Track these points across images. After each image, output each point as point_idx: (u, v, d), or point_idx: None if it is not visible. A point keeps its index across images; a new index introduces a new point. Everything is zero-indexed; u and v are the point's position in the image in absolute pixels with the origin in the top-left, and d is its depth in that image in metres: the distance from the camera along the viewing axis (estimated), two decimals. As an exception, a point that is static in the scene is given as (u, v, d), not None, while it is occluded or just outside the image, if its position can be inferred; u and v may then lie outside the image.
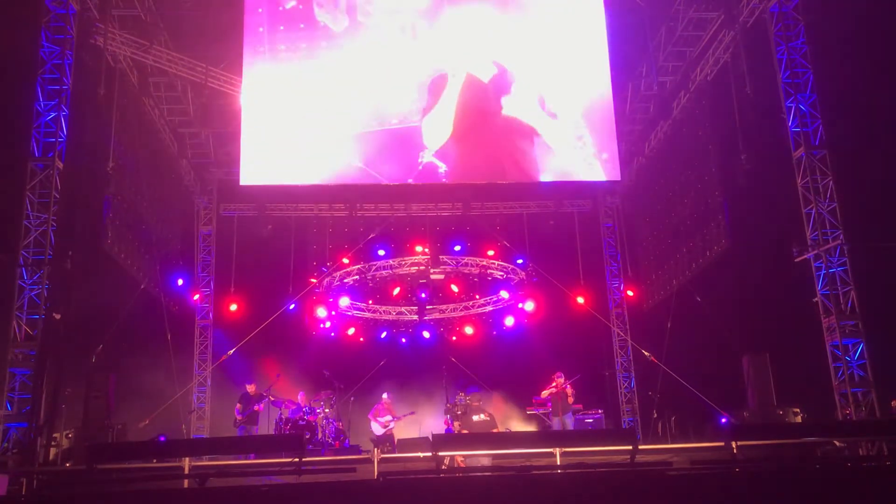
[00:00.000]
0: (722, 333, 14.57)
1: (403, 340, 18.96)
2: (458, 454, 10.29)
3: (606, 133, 14.54)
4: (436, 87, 14.29)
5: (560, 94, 14.59)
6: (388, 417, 15.23)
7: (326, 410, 14.95)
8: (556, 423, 14.25)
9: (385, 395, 15.54)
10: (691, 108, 15.75)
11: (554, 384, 14.14)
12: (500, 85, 14.41)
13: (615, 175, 14.82)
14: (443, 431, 14.02)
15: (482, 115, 14.40)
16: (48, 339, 11.09)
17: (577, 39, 14.79)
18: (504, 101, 14.34)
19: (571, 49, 14.76)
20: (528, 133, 14.35)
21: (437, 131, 14.15)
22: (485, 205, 19.31)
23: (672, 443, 14.24)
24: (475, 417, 14.07)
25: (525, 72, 14.56)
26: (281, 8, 14.39)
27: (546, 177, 14.53)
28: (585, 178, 14.72)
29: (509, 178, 14.83)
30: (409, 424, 16.09)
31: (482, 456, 10.25)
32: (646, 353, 15.71)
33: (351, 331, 18.84)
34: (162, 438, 12.51)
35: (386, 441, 14.64)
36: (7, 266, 11.36)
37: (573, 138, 14.35)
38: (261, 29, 14.21)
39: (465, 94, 14.28)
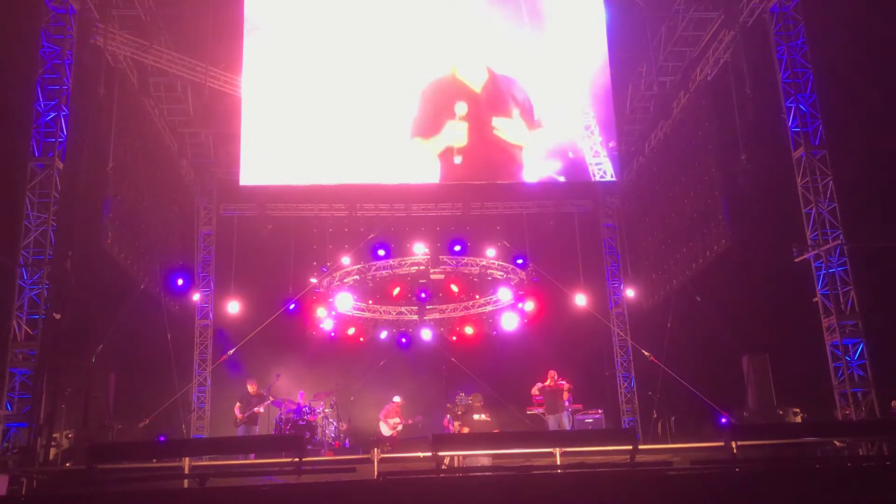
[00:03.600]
0: (722, 333, 14.56)
1: (403, 340, 18.93)
2: (458, 454, 10.28)
3: (609, 124, 14.69)
4: (432, 95, 14.30)
5: (562, 86, 14.60)
6: (397, 420, 15.26)
7: (326, 410, 14.98)
8: (550, 422, 14.24)
9: (397, 398, 15.60)
10: (691, 108, 15.73)
11: (548, 380, 14.15)
12: (492, 96, 14.40)
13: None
14: (442, 431, 14.04)
15: (478, 127, 14.36)
16: (48, 339, 11.08)
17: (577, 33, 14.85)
18: (495, 120, 14.33)
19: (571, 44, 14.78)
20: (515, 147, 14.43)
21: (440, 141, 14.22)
22: (485, 205, 19.30)
23: (672, 443, 14.22)
24: (476, 416, 14.10)
25: (518, 74, 14.58)
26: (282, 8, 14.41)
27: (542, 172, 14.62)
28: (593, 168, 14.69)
29: (505, 178, 14.90)
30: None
31: (482, 456, 10.25)
32: (646, 353, 15.69)
33: (351, 331, 18.82)
34: (162, 438, 12.52)
35: (387, 441, 14.69)
36: (7, 266, 11.35)
37: (581, 128, 14.43)
38: (261, 28, 14.22)
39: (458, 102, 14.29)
